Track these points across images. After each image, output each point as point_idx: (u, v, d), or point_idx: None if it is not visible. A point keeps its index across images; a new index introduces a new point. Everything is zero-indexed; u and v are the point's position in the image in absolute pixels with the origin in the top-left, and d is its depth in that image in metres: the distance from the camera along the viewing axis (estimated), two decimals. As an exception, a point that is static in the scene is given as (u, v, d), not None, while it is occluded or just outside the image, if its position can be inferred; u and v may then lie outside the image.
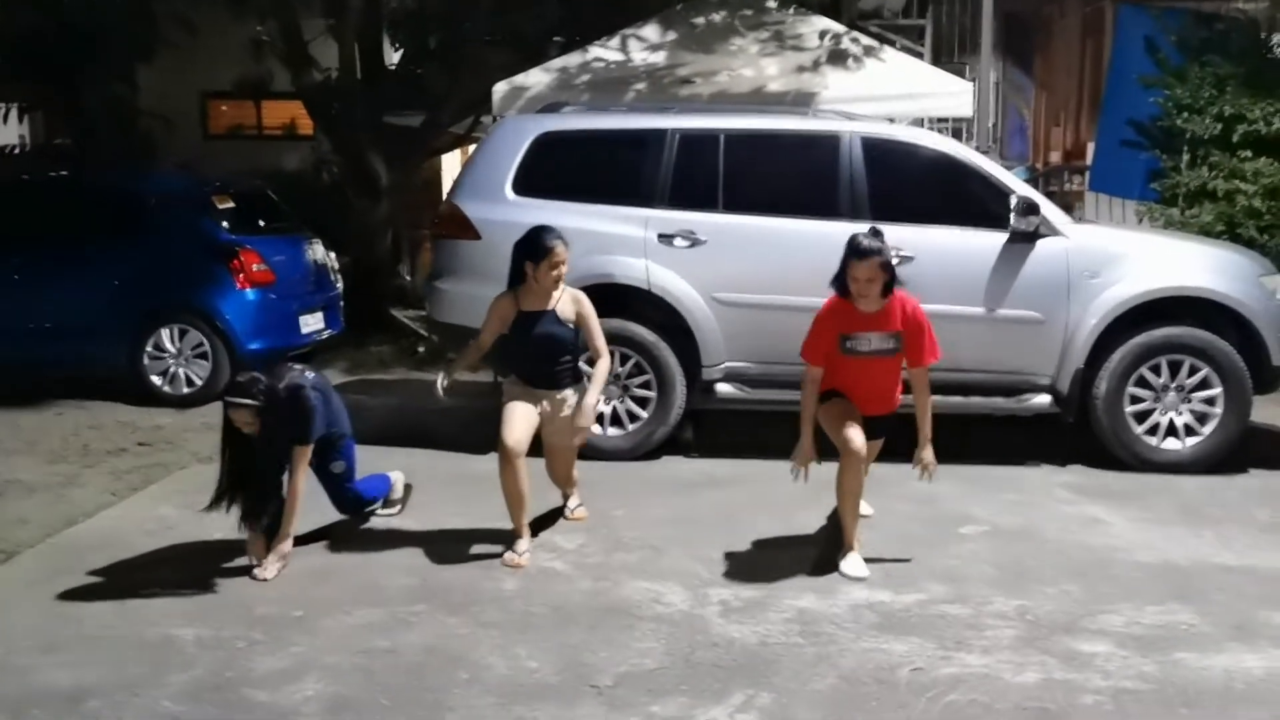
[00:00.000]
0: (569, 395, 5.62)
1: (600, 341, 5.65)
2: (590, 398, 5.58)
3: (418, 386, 10.04)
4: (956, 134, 15.89)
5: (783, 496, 6.36)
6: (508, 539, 5.51)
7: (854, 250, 5.18)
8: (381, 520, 6.05)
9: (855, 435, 5.25)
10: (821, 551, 5.48)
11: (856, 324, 5.26)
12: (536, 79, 10.84)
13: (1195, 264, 7.29)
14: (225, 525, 5.91)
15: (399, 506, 6.14)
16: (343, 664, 4.34)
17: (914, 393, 5.37)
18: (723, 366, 7.29)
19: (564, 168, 7.50)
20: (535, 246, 5.47)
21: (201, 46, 15.60)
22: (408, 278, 15.52)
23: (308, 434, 5.32)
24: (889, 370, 5.38)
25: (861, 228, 6.98)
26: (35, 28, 13.59)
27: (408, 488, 6.19)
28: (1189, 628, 4.67)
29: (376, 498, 6.00)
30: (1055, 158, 17.62)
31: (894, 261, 5.28)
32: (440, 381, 5.62)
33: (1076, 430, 7.31)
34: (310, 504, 5.47)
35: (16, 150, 16.23)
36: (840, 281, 5.26)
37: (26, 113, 16.72)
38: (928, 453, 5.36)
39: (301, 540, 5.50)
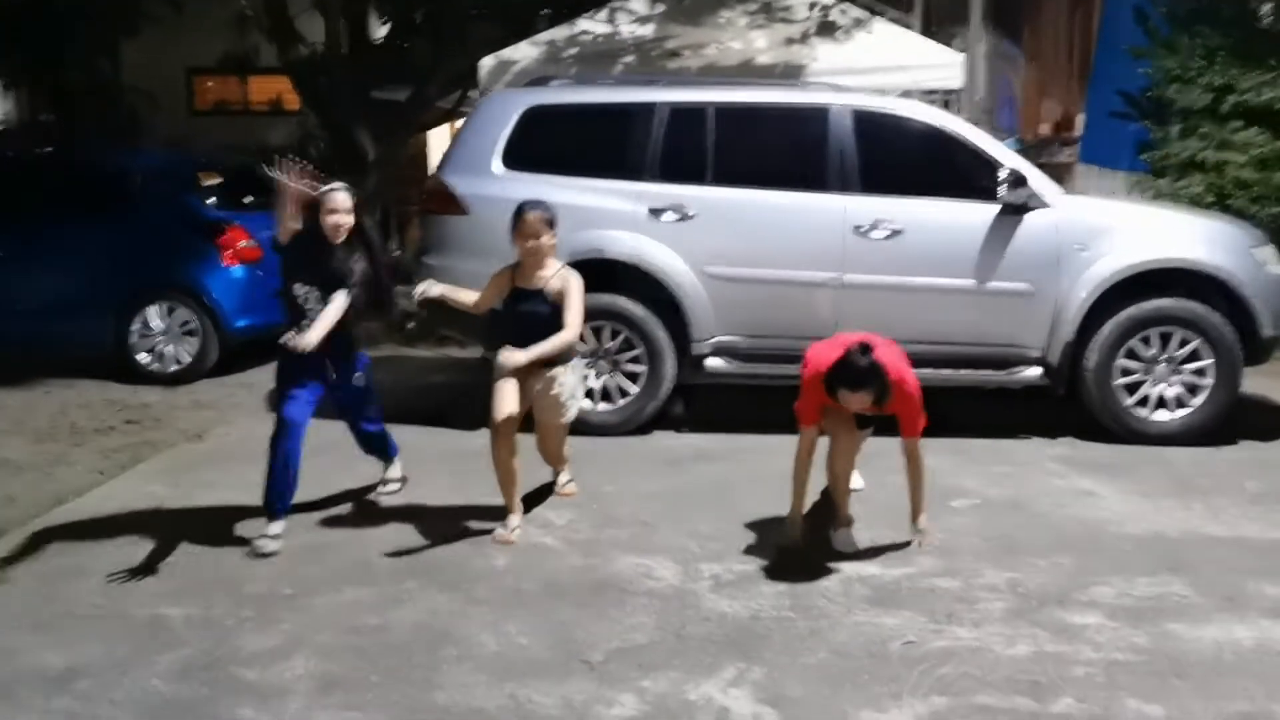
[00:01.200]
0: (559, 374, 5.58)
1: (572, 317, 5.44)
2: (530, 353, 5.32)
3: (408, 363, 10.03)
4: (946, 105, 15.85)
5: (773, 471, 6.35)
6: (499, 515, 5.49)
7: (845, 380, 4.85)
8: (372, 497, 6.04)
9: (847, 421, 5.24)
10: (813, 525, 5.47)
11: (845, 409, 5.08)
12: (524, 53, 10.79)
13: (1186, 235, 7.27)
14: (214, 503, 5.92)
15: (399, 485, 6.13)
16: (333, 642, 4.33)
17: (907, 465, 5.15)
18: (713, 341, 7.27)
19: (552, 142, 7.46)
20: (514, 216, 5.48)
21: (186, 22, 15.50)
22: (396, 253, 15.46)
23: (347, 282, 5.38)
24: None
25: (851, 202, 7.10)
26: (17, 3, 13.48)
27: (403, 479, 6.19)
28: (1180, 599, 4.68)
29: (391, 452, 6.06)
30: (1045, 129, 17.59)
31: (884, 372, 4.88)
32: (426, 287, 5.55)
33: (1066, 403, 7.32)
34: (302, 479, 5.44)
35: (1, 128, 16.12)
36: (830, 389, 4.93)
37: (10, 89, 16.60)
38: (923, 520, 5.21)
39: (292, 512, 5.46)
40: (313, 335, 5.23)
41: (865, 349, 4.84)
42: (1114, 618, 4.49)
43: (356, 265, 5.43)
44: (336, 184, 5.46)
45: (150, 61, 16.46)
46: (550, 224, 5.48)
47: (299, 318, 5.39)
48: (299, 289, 5.41)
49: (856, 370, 4.81)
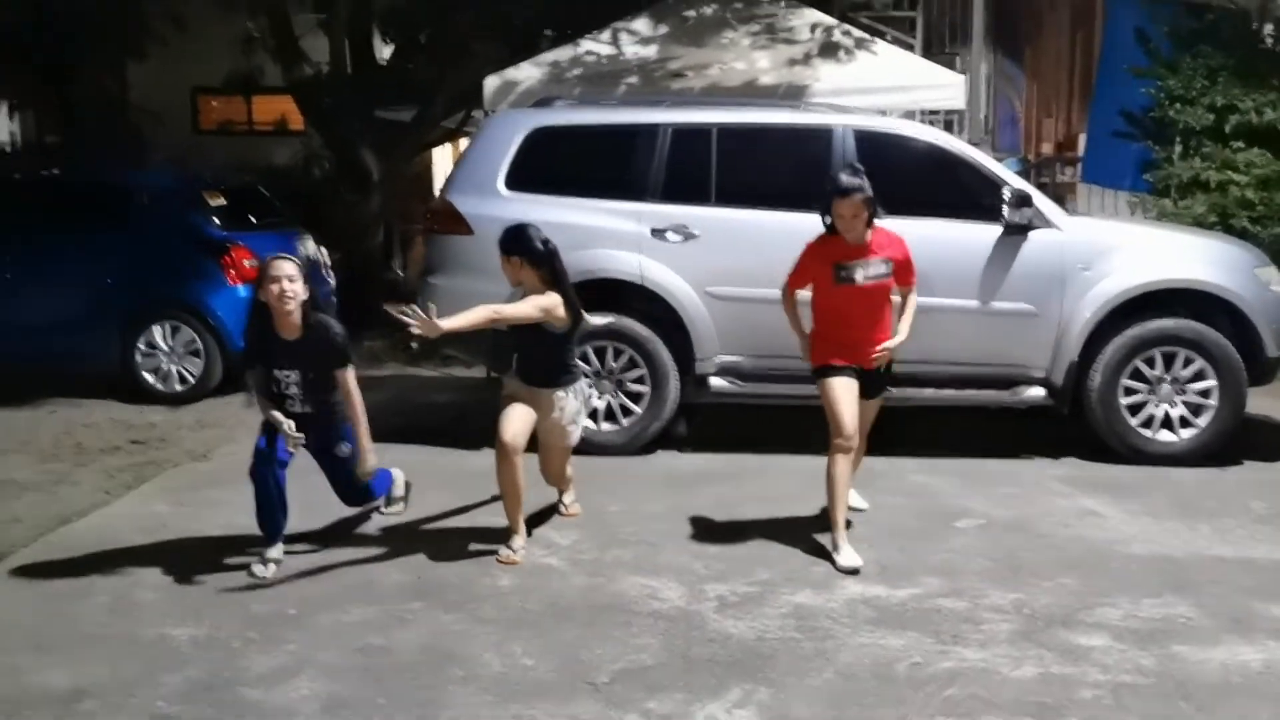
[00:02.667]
0: (562, 395, 5.58)
1: (515, 307, 5.44)
2: (448, 322, 5.08)
3: (412, 382, 10.04)
4: (948, 126, 15.90)
5: (777, 490, 6.37)
6: (503, 535, 5.49)
7: (836, 189, 5.32)
8: (377, 517, 6.03)
9: (849, 421, 5.26)
10: (816, 543, 5.47)
11: (848, 254, 5.39)
12: (528, 73, 10.82)
13: (1189, 256, 7.28)
14: (220, 523, 5.91)
15: (402, 505, 6.08)
16: (338, 662, 4.33)
17: (903, 303, 5.61)
18: (716, 360, 7.27)
19: (557, 162, 7.48)
20: None
21: (191, 42, 15.53)
22: (400, 272, 15.49)
23: (348, 355, 5.30)
24: (881, 300, 5.47)
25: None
26: (24, 23, 13.52)
27: (408, 485, 6.15)
28: (1186, 621, 4.67)
29: (381, 492, 5.96)
30: (1047, 149, 17.63)
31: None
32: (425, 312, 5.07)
33: (1071, 423, 7.31)
34: (303, 501, 5.44)
35: (8, 148, 16.16)
36: (825, 211, 5.42)
37: (17, 110, 16.65)
38: (893, 342, 5.57)
39: (295, 538, 5.48)
40: (371, 459, 5.35)
41: (853, 169, 5.43)
42: (1120, 639, 4.48)
43: (335, 330, 5.29)
44: (279, 254, 5.32)
45: (155, 81, 16.49)
46: (504, 248, 5.48)
47: (278, 401, 5.33)
48: (279, 374, 5.30)
49: (844, 178, 5.33)
